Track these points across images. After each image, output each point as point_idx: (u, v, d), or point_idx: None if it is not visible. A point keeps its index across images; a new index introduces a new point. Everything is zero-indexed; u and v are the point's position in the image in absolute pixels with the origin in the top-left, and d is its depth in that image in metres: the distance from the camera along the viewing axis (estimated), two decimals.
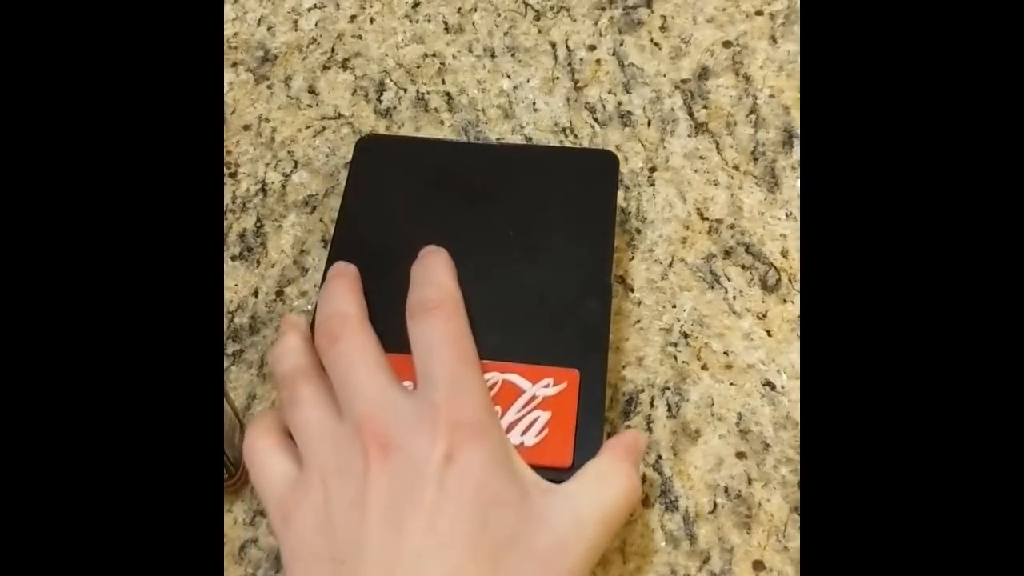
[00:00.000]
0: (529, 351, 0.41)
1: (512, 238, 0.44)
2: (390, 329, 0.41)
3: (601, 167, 0.47)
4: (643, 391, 0.45)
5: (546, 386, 0.40)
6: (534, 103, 0.55)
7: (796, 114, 0.54)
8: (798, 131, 0.53)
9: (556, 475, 0.38)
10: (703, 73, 0.56)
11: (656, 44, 0.57)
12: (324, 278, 0.43)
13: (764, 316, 0.47)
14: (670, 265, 0.49)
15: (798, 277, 0.48)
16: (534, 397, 0.39)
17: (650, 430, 0.44)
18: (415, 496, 0.33)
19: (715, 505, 0.42)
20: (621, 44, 0.57)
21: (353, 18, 0.59)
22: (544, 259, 0.44)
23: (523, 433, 0.38)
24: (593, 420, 0.39)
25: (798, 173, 0.52)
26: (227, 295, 0.49)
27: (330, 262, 0.44)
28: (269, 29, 0.59)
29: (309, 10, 0.60)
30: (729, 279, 0.48)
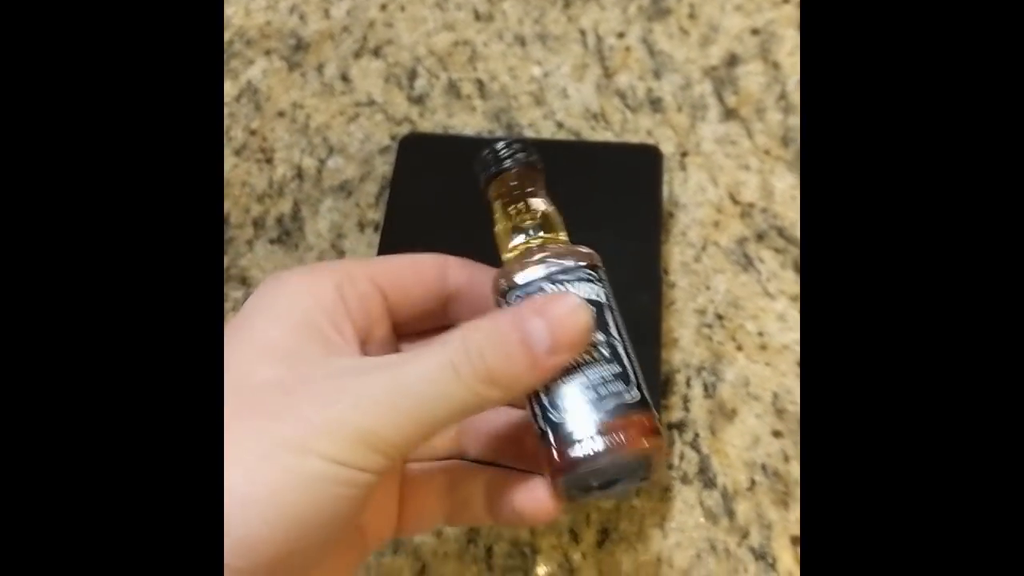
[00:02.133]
0: None
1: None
2: None
3: (645, 161, 0.48)
4: (679, 372, 0.46)
5: None
6: (565, 90, 0.56)
7: None
8: None
9: None
10: (732, 60, 0.57)
11: (684, 31, 0.58)
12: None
13: (797, 298, 0.48)
14: (703, 248, 0.49)
15: None
16: None
17: (687, 410, 0.45)
18: None
19: (753, 482, 0.43)
20: (650, 31, 0.58)
21: (384, 7, 0.60)
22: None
23: None
24: (654, 400, 0.39)
25: None
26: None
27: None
28: (301, 18, 0.59)
29: None
30: (762, 261, 0.49)
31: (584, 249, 0.30)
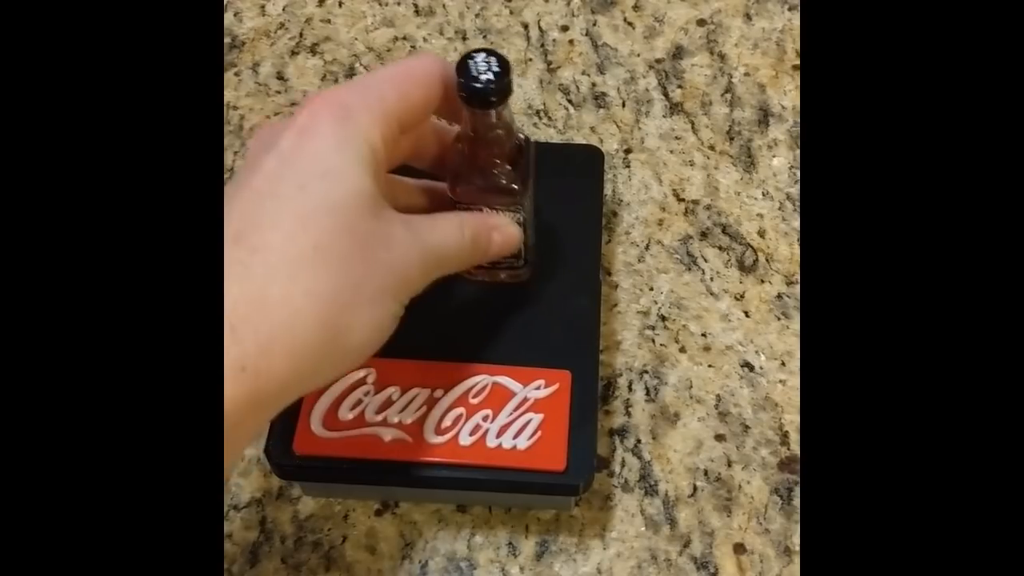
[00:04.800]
0: (520, 353, 0.40)
1: None
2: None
3: (586, 162, 0.46)
4: (621, 375, 0.45)
5: (537, 388, 0.39)
6: None
7: (771, 92, 0.53)
8: (773, 110, 0.53)
9: (550, 479, 0.37)
10: (677, 52, 0.55)
11: (629, 24, 0.57)
12: None
13: (742, 297, 0.47)
14: (647, 247, 0.48)
15: (775, 257, 0.48)
16: (526, 399, 0.39)
17: (629, 414, 0.44)
18: (261, 160, 0.32)
19: (695, 488, 0.42)
20: (594, 24, 0.57)
21: (321, 2, 0.58)
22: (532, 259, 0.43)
23: (515, 436, 0.38)
24: (586, 421, 0.38)
25: (774, 152, 0.51)
26: None
27: None
28: (236, 15, 0.58)
29: None
30: (706, 260, 0.48)
31: (513, 185, 0.38)
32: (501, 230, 0.38)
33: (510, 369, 0.40)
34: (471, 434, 0.38)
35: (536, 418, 0.38)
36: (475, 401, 0.39)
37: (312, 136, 0.32)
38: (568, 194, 0.45)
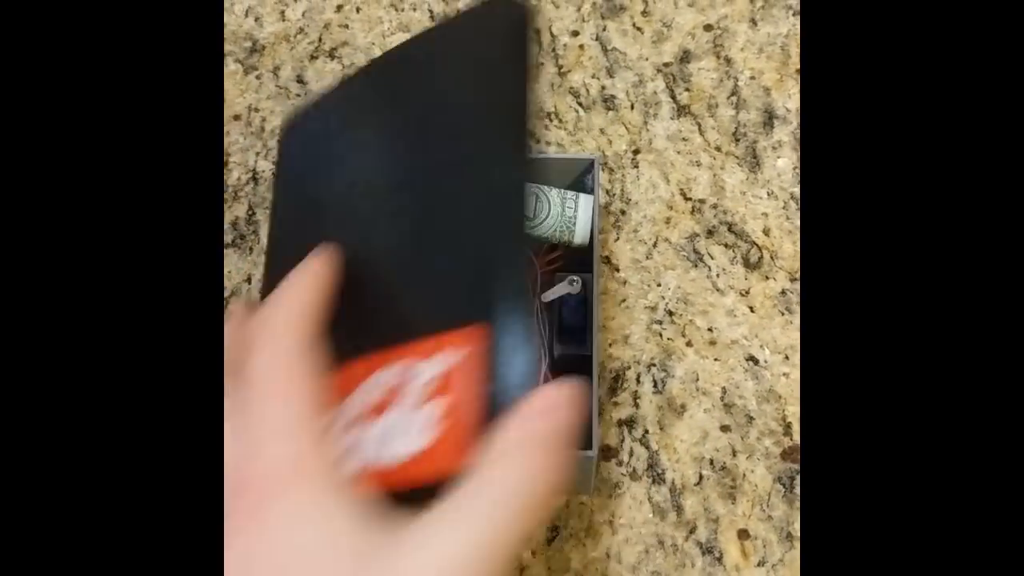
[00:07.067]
0: (422, 322, 0.28)
1: (416, 169, 0.31)
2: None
3: (506, 26, 0.31)
4: (629, 368, 0.46)
5: (441, 364, 0.27)
6: None
7: (776, 95, 0.55)
8: (778, 112, 0.54)
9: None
10: (685, 56, 0.57)
11: (638, 28, 0.58)
12: (267, 254, 0.34)
13: (747, 293, 0.48)
14: (654, 245, 0.50)
15: (779, 254, 0.49)
16: (427, 380, 0.27)
17: (636, 406, 0.45)
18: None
19: (701, 477, 0.43)
20: (604, 29, 0.58)
21: (339, 8, 0.60)
22: (450, 187, 0.30)
23: (413, 436, 0.26)
24: (518, 379, 0.25)
25: (779, 153, 0.53)
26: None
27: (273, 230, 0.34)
28: (257, 20, 0.60)
29: (296, 0, 0.60)
30: (712, 257, 0.49)
31: None
32: (556, 404, 0.25)
33: (405, 349, 0.28)
34: (362, 461, 0.26)
35: (436, 407, 0.26)
36: (365, 410, 0.27)
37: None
38: (485, 81, 0.31)
